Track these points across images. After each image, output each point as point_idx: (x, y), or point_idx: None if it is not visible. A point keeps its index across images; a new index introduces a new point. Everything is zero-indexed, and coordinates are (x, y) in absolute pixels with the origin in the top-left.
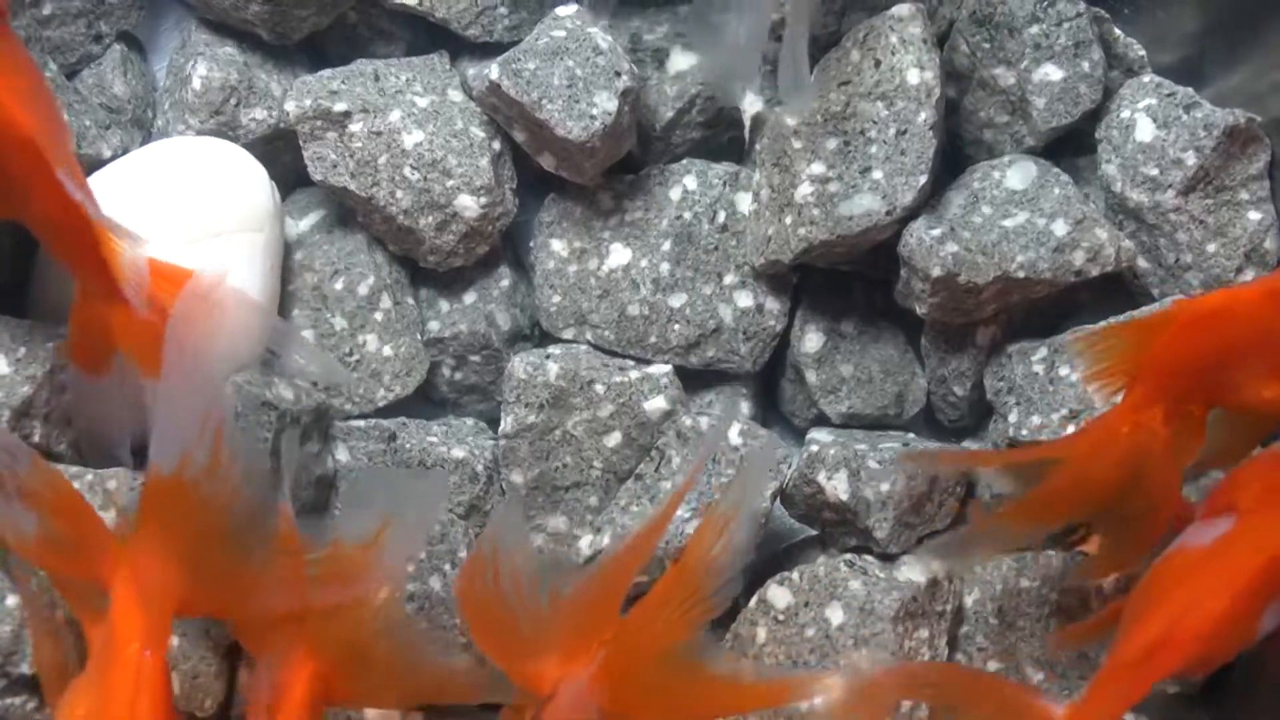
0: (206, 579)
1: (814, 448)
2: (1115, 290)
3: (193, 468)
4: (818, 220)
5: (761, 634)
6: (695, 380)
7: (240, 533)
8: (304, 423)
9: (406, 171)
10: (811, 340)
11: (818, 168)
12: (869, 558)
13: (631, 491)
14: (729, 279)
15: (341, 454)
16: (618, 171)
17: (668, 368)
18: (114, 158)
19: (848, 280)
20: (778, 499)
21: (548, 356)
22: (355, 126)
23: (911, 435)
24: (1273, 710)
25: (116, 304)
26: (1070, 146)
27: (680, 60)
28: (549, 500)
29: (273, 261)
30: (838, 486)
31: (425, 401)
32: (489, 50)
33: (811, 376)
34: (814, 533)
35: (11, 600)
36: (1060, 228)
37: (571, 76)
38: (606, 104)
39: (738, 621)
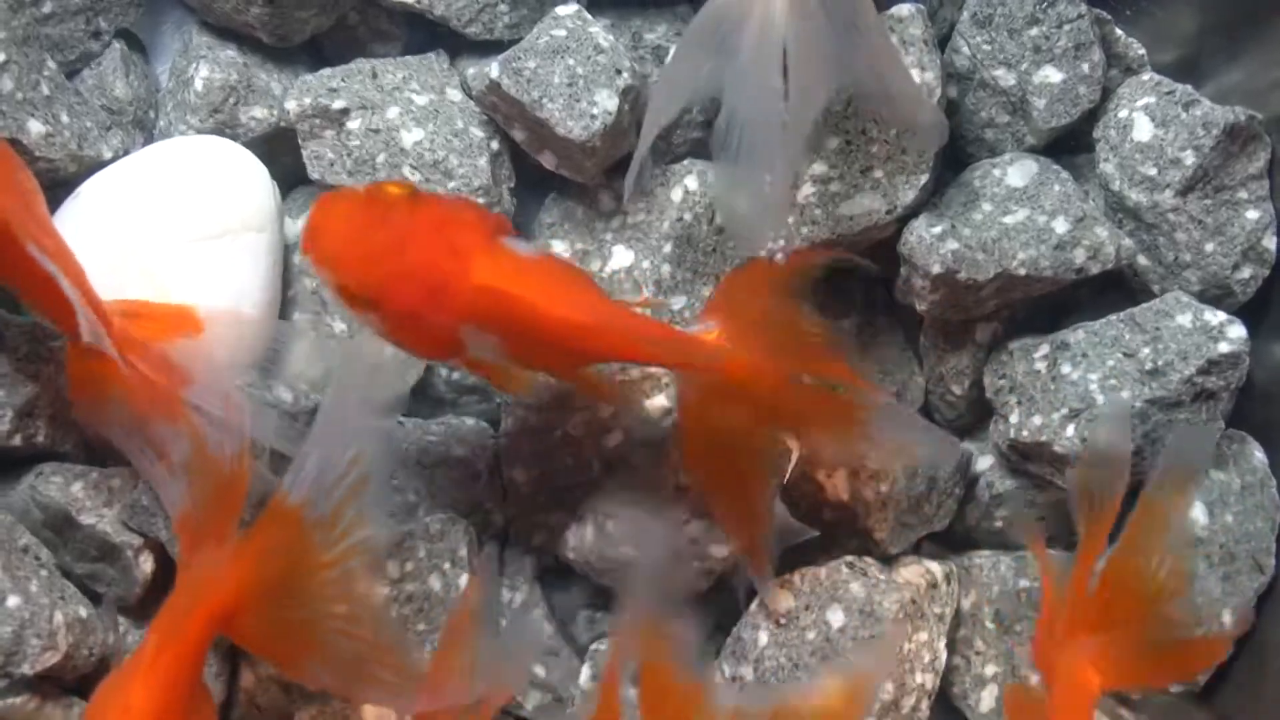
0: (265, 614)
1: None
2: (1115, 287)
3: (314, 510)
4: (819, 220)
5: (763, 637)
6: None
7: (326, 587)
8: (301, 423)
9: (406, 170)
10: None
11: (819, 167)
12: (869, 560)
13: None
14: None
15: None
16: (618, 171)
17: None
18: (114, 159)
19: (848, 278)
20: (777, 497)
21: None
22: (353, 124)
23: None
24: (1274, 709)
25: (101, 357)
26: (1069, 144)
27: None
28: (550, 499)
29: (274, 261)
30: (837, 485)
31: (424, 401)
32: (489, 49)
33: None
34: (815, 533)
35: (13, 601)
36: (1061, 225)
37: (572, 75)
38: (607, 103)
39: (739, 625)
